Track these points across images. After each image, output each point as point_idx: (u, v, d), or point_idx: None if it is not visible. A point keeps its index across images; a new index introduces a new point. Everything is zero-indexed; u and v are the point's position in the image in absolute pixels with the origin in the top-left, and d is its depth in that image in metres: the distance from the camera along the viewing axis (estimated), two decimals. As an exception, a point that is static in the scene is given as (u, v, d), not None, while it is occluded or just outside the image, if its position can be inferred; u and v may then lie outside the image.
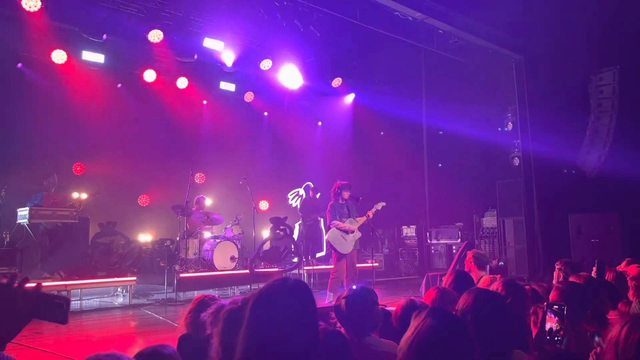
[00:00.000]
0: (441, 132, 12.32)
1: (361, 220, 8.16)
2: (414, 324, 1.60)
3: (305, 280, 10.53)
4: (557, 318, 2.32)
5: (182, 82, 11.20)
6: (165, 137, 11.45)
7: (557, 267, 4.38)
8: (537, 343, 2.39)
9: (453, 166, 12.13)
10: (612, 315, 3.12)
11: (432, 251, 12.59)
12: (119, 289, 9.24)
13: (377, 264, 11.19)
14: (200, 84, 11.71)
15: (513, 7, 10.11)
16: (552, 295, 3.02)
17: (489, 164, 11.64)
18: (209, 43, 10.22)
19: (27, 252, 8.19)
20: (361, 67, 12.88)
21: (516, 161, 11.47)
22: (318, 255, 11.69)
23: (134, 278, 8.77)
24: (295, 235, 11.70)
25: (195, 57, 10.70)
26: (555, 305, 2.38)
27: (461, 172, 11.80)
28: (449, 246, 12.23)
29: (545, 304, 2.50)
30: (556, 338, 2.29)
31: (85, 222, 8.92)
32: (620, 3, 9.38)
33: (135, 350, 2.24)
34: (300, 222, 12.13)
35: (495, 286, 3.34)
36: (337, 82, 12.74)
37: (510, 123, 11.62)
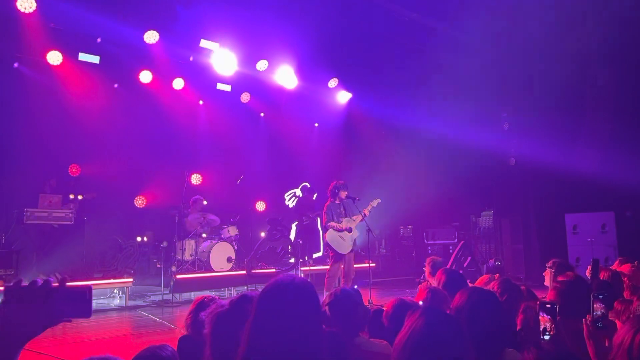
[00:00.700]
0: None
1: (358, 218, 8.17)
2: (408, 323, 1.60)
3: (302, 281, 10.53)
4: (549, 316, 2.33)
5: (178, 83, 11.18)
6: (161, 139, 11.41)
7: (548, 267, 4.40)
8: (526, 341, 2.40)
9: (449, 166, 12.14)
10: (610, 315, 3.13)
11: (429, 251, 12.59)
12: (115, 291, 9.21)
13: (374, 264, 11.19)
14: (196, 85, 11.70)
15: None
16: (548, 295, 3.03)
17: (486, 164, 11.66)
18: (205, 44, 10.20)
19: (23, 254, 8.16)
20: (357, 67, 12.88)
21: (512, 161, 11.50)
22: (315, 255, 11.69)
23: (131, 279, 8.75)
24: (292, 236, 11.70)
25: (191, 58, 10.69)
26: (548, 304, 2.39)
27: (457, 172, 11.82)
28: (446, 246, 12.25)
29: (538, 302, 2.51)
30: (545, 336, 2.30)
31: (81, 223, 8.89)
32: (618, 2, 9.41)
33: (132, 352, 2.23)
34: (296, 222, 12.12)
35: (492, 285, 3.35)
36: (333, 82, 12.75)
37: (506, 123, 11.65)
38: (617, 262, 4.74)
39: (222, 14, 9.73)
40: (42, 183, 8.74)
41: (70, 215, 8.40)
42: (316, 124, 14.50)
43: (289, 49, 11.01)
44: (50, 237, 8.32)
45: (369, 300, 7.34)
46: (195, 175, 12.06)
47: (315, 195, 12.13)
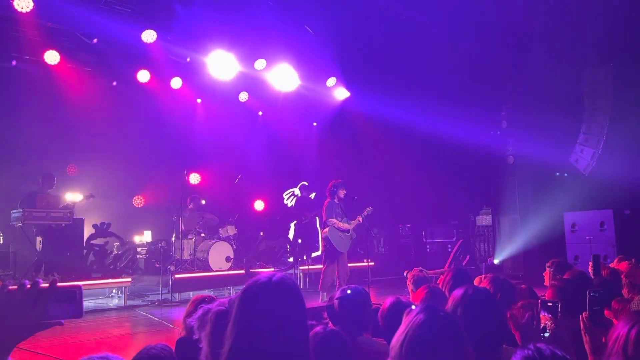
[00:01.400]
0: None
1: (353, 223, 8.20)
2: (405, 321, 1.59)
3: (301, 280, 10.53)
4: (550, 315, 2.33)
5: (176, 83, 11.16)
6: (159, 138, 11.40)
7: (547, 266, 4.42)
8: (526, 339, 2.39)
9: (448, 165, 12.14)
10: (608, 314, 3.12)
11: (428, 250, 12.60)
12: (114, 290, 9.20)
13: (372, 263, 11.19)
14: (194, 84, 11.68)
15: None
16: (547, 294, 3.03)
17: (484, 163, 11.66)
18: (203, 43, 10.17)
19: (20, 254, 8.14)
20: (356, 66, 12.87)
21: (511, 159, 11.50)
22: (314, 255, 11.67)
23: (129, 279, 8.74)
24: (291, 235, 11.69)
25: (188, 59, 10.67)
26: (549, 302, 2.39)
27: (456, 171, 11.82)
28: (445, 245, 12.24)
29: (539, 301, 2.51)
30: (544, 333, 2.30)
31: (79, 223, 8.86)
32: (617, 1, 9.42)
33: (131, 352, 2.22)
34: (295, 221, 12.11)
35: (483, 284, 3.33)
36: (331, 81, 12.74)
37: (504, 121, 11.64)
38: (615, 260, 4.74)
39: (220, 12, 9.71)
40: (40, 183, 8.71)
41: (69, 215, 8.36)
42: (314, 123, 14.48)
43: (287, 48, 11.01)
44: (48, 237, 8.29)
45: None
46: (193, 174, 12.04)
47: (313, 195, 12.12)
